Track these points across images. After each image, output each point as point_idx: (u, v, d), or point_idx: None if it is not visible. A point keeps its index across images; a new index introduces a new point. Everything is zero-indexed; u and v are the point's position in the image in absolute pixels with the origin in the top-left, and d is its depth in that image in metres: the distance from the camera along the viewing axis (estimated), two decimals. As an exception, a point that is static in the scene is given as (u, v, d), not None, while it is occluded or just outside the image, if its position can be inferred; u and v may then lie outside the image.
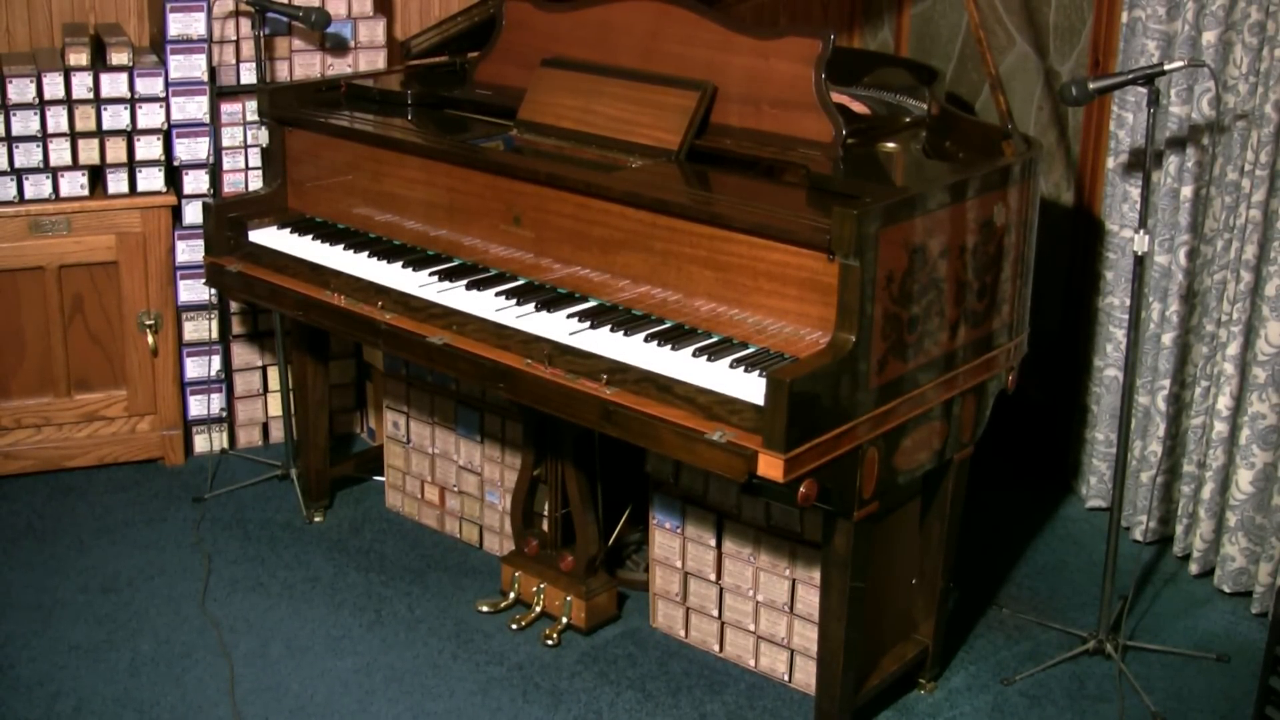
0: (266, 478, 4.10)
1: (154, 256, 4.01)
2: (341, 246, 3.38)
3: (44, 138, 3.85)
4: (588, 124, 3.24)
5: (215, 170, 4.05)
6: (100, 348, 4.07)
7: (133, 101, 3.91)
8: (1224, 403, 3.53)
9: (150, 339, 4.05)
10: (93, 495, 4.01)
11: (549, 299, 3.01)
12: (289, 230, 3.52)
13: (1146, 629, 3.49)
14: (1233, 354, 3.50)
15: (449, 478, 3.81)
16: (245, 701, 3.14)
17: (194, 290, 4.09)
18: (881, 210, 2.59)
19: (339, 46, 4.15)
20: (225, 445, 4.27)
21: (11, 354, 4.00)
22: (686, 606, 3.37)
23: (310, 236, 3.46)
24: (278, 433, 4.33)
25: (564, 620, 3.37)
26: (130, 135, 3.93)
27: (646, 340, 2.81)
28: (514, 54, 3.57)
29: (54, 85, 3.84)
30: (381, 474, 4.04)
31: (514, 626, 3.40)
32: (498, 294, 3.06)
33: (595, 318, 2.91)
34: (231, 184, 4.10)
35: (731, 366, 2.67)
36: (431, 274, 3.18)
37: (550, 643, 3.34)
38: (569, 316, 2.93)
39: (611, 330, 2.86)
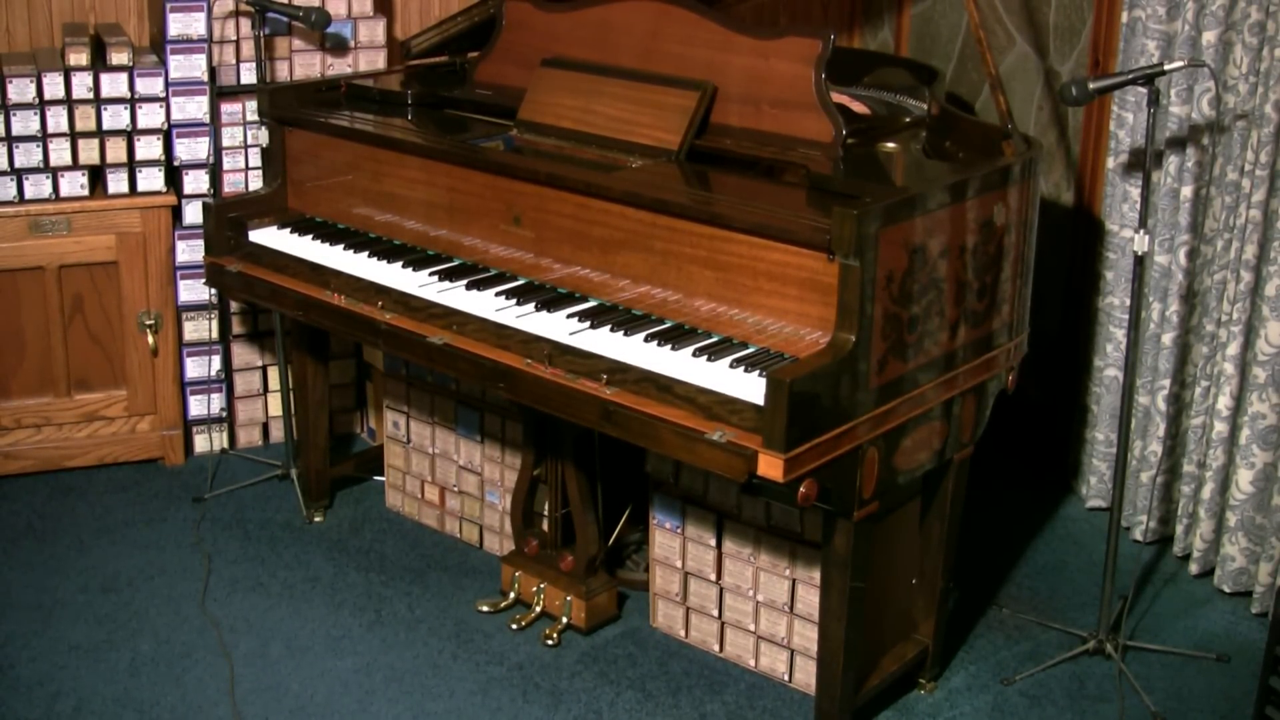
0: (266, 478, 4.10)
1: (154, 256, 4.01)
2: (341, 246, 3.38)
3: (44, 138, 3.85)
4: (588, 124, 3.24)
5: (215, 170, 4.05)
6: (100, 348, 4.07)
7: (133, 101, 3.91)
8: (1224, 403, 3.53)
9: (150, 339, 4.05)
10: (93, 495, 4.01)
11: (549, 299, 3.01)
12: (289, 230, 3.52)
13: (1146, 629, 3.49)
14: (1233, 354, 3.50)
15: (449, 478, 3.81)
16: (245, 701, 3.14)
17: (194, 290, 4.09)
18: (881, 210, 2.59)
19: (339, 46, 4.15)
20: (225, 445, 4.27)
21: (11, 354, 4.00)
22: (686, 606, 3.37)
23: (310, 236, 3.46)
24: (278, 433, 4.33)
25: (564, 620, 3.37)
26: (130, 135, 3.93)
27: (646, 340, 2.81)
28: (514, 54, 3.57)
29: (54, 85, 3.84)
30: (381, 474, 4.04)
31: (514, 626, 3.40)
32: (498, 294, 3.06)
33: (595, 318, 2.91)
34: (231, 184, 4.10)
35: (731, 366, 2.67)
36: (431, 274, 3.18)
37: (550, 643, 3.34)
38: (569, 316, 2.93)
39: (611, 330, 2.86)
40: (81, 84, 3.86)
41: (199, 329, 4.12)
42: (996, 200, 2.89)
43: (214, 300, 4.09)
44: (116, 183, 3.95)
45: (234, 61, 4.06)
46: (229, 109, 4.05)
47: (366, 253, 3.32)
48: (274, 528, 3.87)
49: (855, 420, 2.64)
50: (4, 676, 3.20)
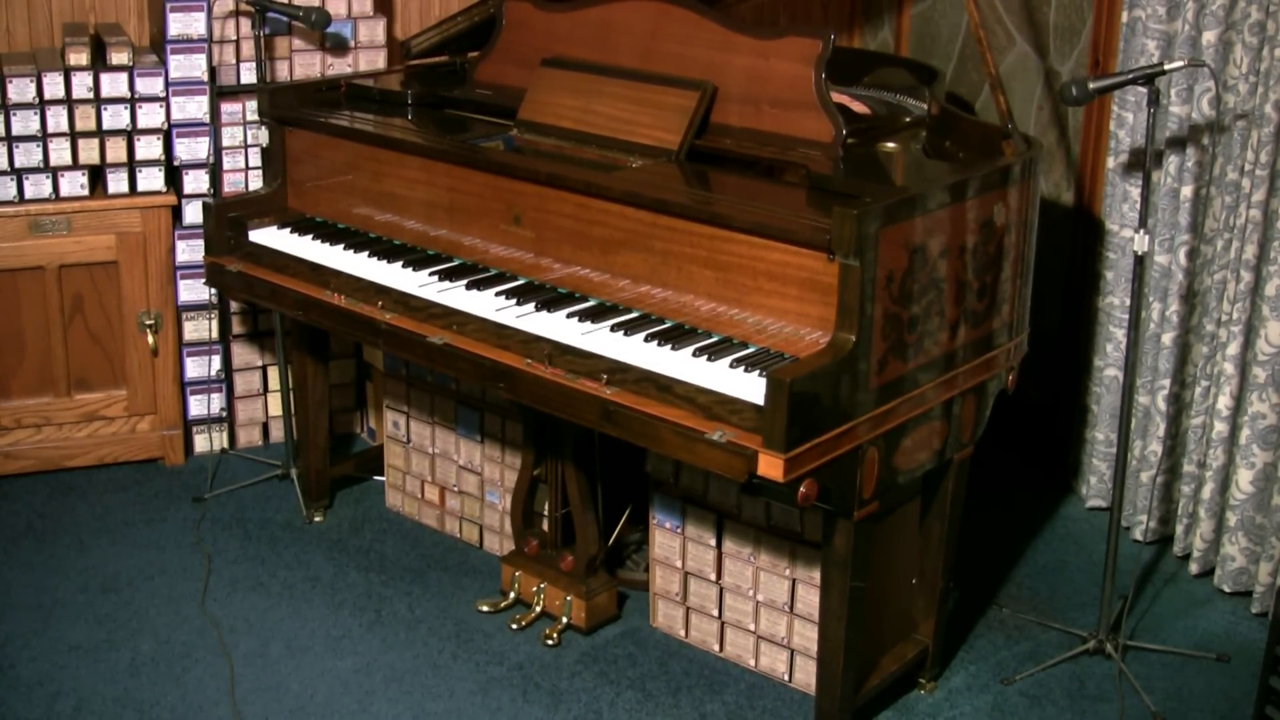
0: (266, 478, 4.10)
1: (154, 256, 4.01)
2: (341, 246, 3.38)
3: (44, 137, 3.85)
4: (588, 124, 3.24)
5: (215, 170, 4.05)
6: (100, 348, 4.07)
7: (133, 101, 3.91)
8: (1224, 402, 3.53)
9: (150, 339, 4.05)
10: (93, 495, 4.01)
11: (549, 299, 3.01)
12: (289, 230, 3.52)
13: (1146, 629, 3.49)
14: (1233, 354, 3.50)
15: (449, 477, 3.81)
16: (245, 701, 3.14)
17: (194, 290, 4.09)
18: (881, 210, 2.59)
19: (339, 46, 4.15)
20: (225, 445, 4.27)
21: (11, 354, 4.00)
22: (686, 606, 3.37)
23: (310, 236, 3.46)
24: (278, 433, 4.33)
25: (564, 620, 3.37)
26: (130, 135, 3.93)
27: (646, 340, 2.81)
28: (514, 54, 3.57)
29: (54, 85, 3.84)
30: (381, 474, 4.04)
31: (514, 626, 3.40)
32: (498, 294, 3.06)
33: (595, 317, 2.91)
34: (231, 184, 4.10)
35: (731, 366, 2.67)
36: (431, 274, 3.18)
37: (550, 642, 3.34)
38: (569, 316, 2.93)
39: (611, 330, 2.86)
40: (81, 84, 3.86)
41: (199, 329, 4.12)
42: (996, 200, 2.89)
43: (214, 300, 4.09)
44: (116, 182, 3.95)
45: (234, 61, 4.06)
46: (229, 109, 4.05)
47: (366, 253, 3.32)
48: (274, 528, 3.87)
49: (855, 420, 2.64)
50: (4, 676, 3.20)
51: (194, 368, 4.16)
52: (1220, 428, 3.55)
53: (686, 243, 2.84)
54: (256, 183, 4.07)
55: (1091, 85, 3.10)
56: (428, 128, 3.51)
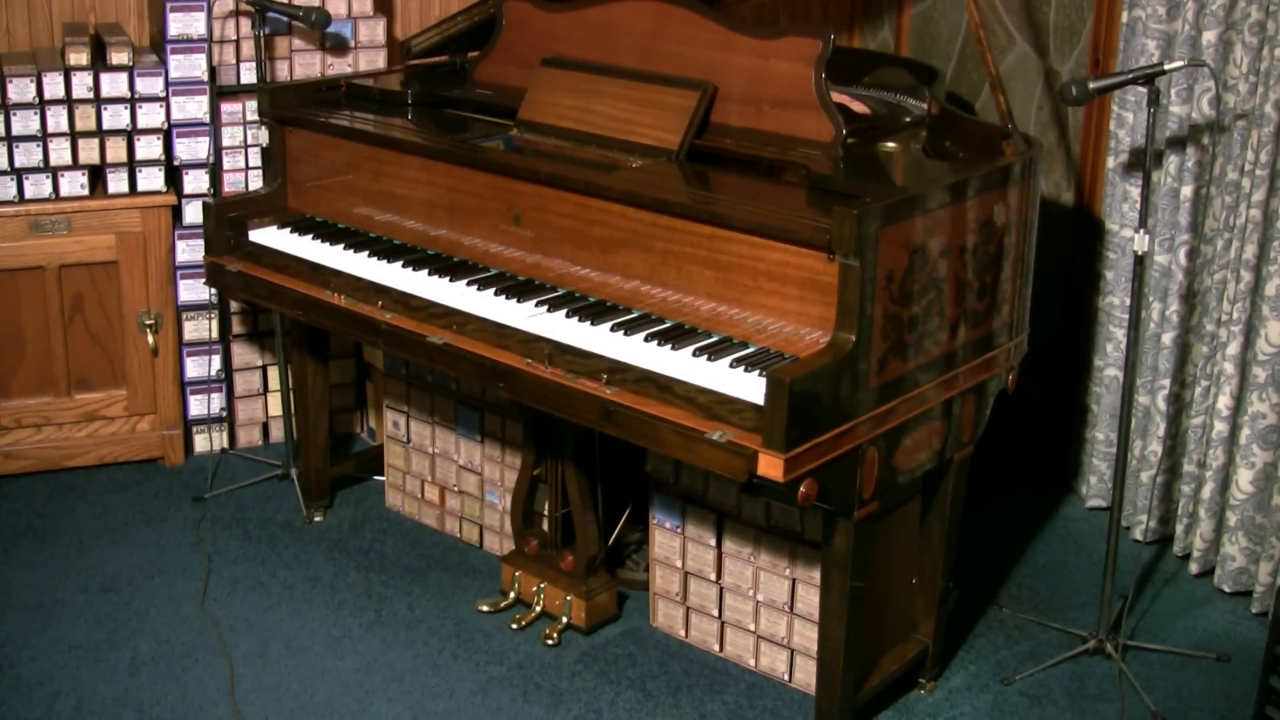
0: (266, 477, 4.10)
1: (154, 256, 4.01)
2: (341, 246, 3.38)
3: (44, 137, 3.85)
4: (588, 124, 3.24)
5: (215, 170, 4.05)
6: (100, 347, 4.07)
7: (133, 101, 3.91)
8: (1224, 402, 3.53)
9: (150, 339, 4.05)
10: (93, 495, 4.01)
11: (549, 299, 3.01)
12: (289, 230, 3.52)
13: (1146, 629, 3.49)
14: (1233, 353, 3.50)
15: (449, 477, 3.81)
16: (245, 701, 3.14)
17: (194, 290, 4.09)
18: (881, 210, 2.59)
19: (339, 46, 4.15)
20: (225, 445, 4.27)
21: (11, 354, 4.00)
22: (686, 606, 3.37)
23: (310, 236, 3.46)
24: (278, 432, 4.33)
25: (564, 620, 3.37)
26: (130, 135, 3.93)
27: (646, 340, 2.81)
28: (514, 54, 3.57)
29: (54, 85, 3.84)
30: (381, 474, 4.04)
31: (514, 626, 3.40)
32: (498, 293, 3.06)
33: (595, 317, 2.91)
34: (231, 184, 4.10)
35: (731, 366, 2.67)
36: (431, 273, 3.18)
37: (550, 642, 3.34)
38: (569, 316, 2.93)
39: (611, 330, 2.86)
40: (81, 84, 3.86)
41: (199, 329, 4.12)
42: (996, 200, 2.89)
43: (214, 300, 4.09)
44: (116, 182, 3.95)
45: (234, 61, 4.06)
46: (229, 109, 4.05)
47: (366, 252, 3.32)
48: (274, 528, 3.87)
49: (855, 420, 2.64)
50: (4, 676, 3.20)
51: (194, 368, 4.16)
52: (1220, 427, 3.55)
53: (686, 242, 2.84)
54: (256, 183, 4.07)
55: (1091, 85, 3.10)
56: (428, 128, 3.51)
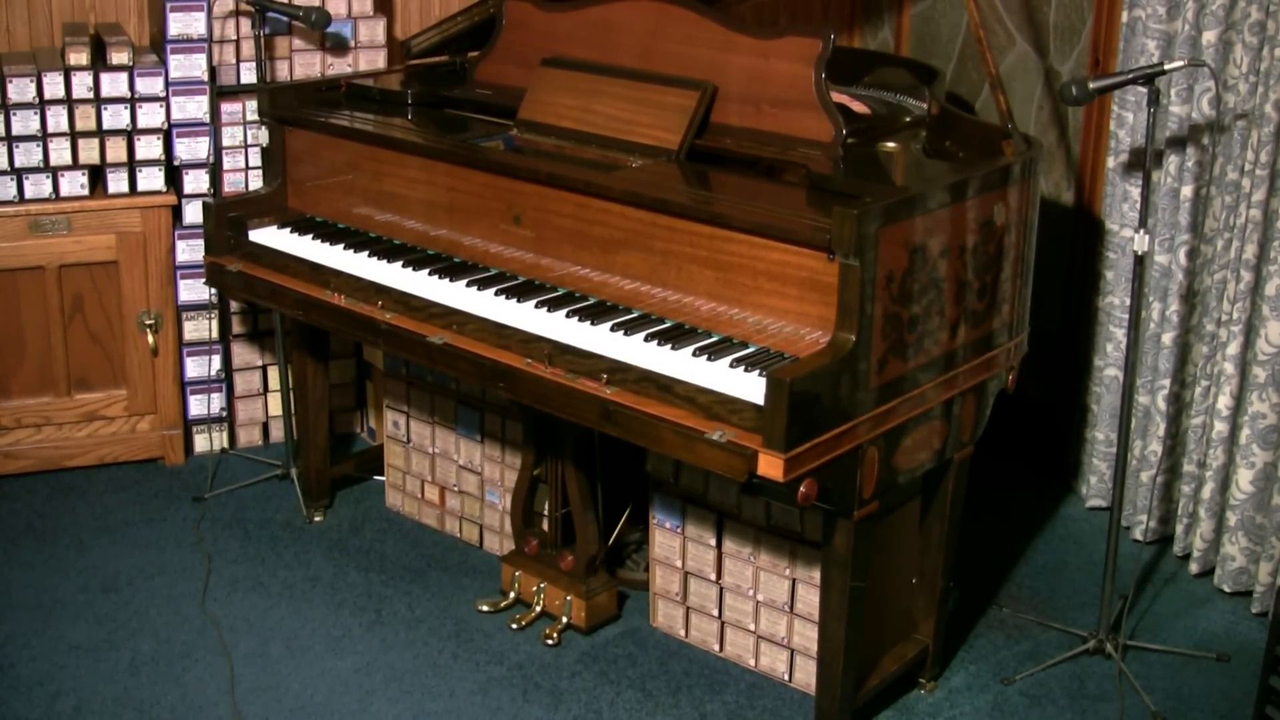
0: (266, 477, 4.10)
1: (154, 256, 4.01)
2: (341, 246, 3.38)
3: (44, 137, 3.85)
4: (588, 124, 3.24)
5: (215, 170, 4.05)
6: (100, 347, 4.07)
7: (133, 101, 3.91)
8: (1224, 402, 3.53)
9: (150, 339, 4.05)
10: (93, 495, 4.01)
11: (549, 298, 3.01)
12: (289, 230, 3.52)
13: (1146, 629, 3.49)
14: (1233, 353, 3.50)
15: (449, 477, 3.81)
16: (245, 701, 3.14)
17: (194, 290, 4.09)
18: (881, 210, 2.59)
19: (339, 46, 4.15)
20: (225, 445, 4.27)
21: (11, 354, 4.00)
22: (686, 606, 3.37)
23: (310, 236, 3.46)
24: (278, 432, 4.33)
25: (564, 620, 3.37)
26: (130, 135, 3.93)
27: (646, 340, 2.81)
28: (514, 54, 3.57)
29: (54, 85, 3.84)
30: (381, 474, 4.04)
31: (514, 626, 3.40)
32: (498, 293, 3.06)
33: (595, 317, 2.91)
34: (231, 184, 4.10)
35: (731, 366, 2.67)
36: (431, 273, 3.18)
37: (550, 642, 3.34)
38: (569, 316, 2.93)
39: (611, 330, 2.86)
40: (81, 84, 3.86)
41: (199, 329, 4.12)
42: (996, 200, 2.89)
43: (214, 300, 4.09)
44: (116, 182, 3.95)
45: (234, 61, 4.06)
46: (229, 109, 4.05)
47: (366, 252, 3.32)
48: (274, 528, 3.87)
49: (855, 420, 2.64)
50: (4, 676, 3.20)
51: (194, 367, 4.16)
52: (1220, 427, 3.55)
53: (686, 242, 2.84)
54: (256, 183, 4.07)
55: (1091, 85, 3.10)
56: (428, 128, 3.51)
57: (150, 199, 3.98)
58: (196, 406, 4.20)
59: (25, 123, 3.83)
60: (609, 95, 3.24)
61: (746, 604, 3.25)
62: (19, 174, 3.86)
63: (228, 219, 3.54)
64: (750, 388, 2.60)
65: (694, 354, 2.73)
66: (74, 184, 3.92)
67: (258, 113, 3.71)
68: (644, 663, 3.31)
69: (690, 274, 2.85)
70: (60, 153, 3.88)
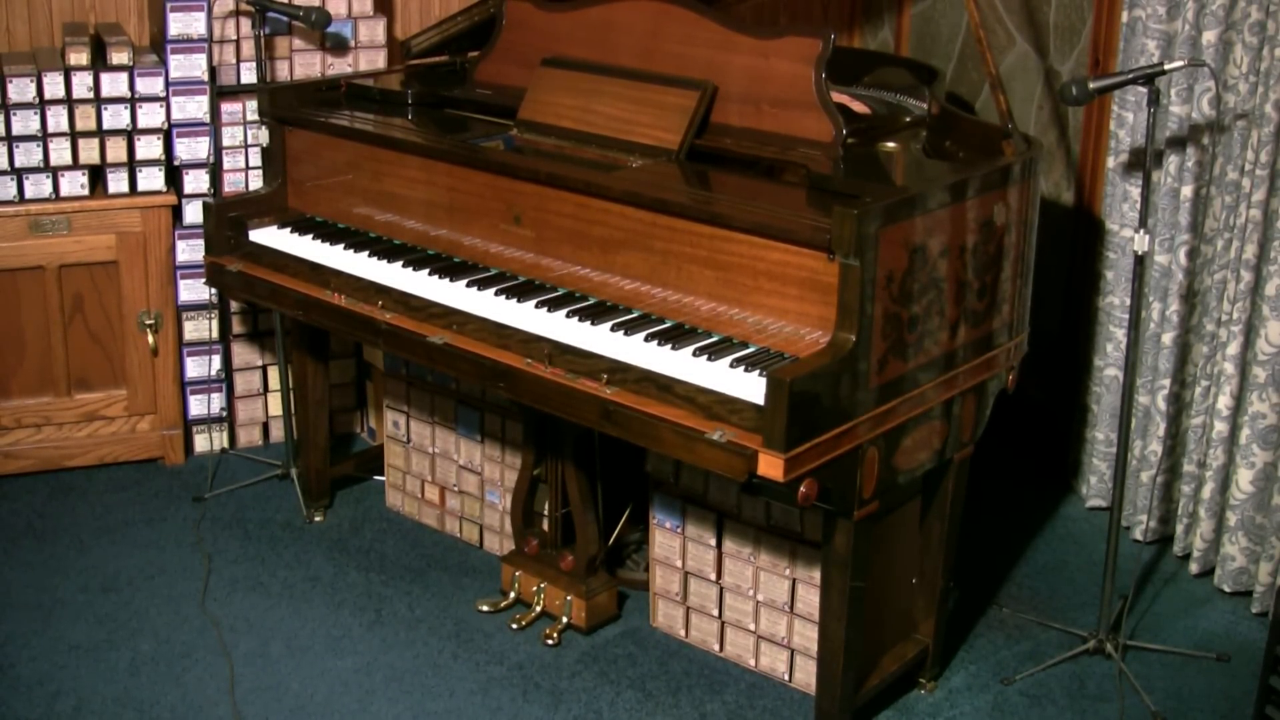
0: (266, 477, 4.10)
1: (154, 256, 4.01)
2: (342, 246, 3.38)
3: (44, 137, 3.85)
4: (588, 123, 3.24)
5: (215, 170, 4.05)
6: (100, 347, 4.07)
7: (133, 101, 3.91)
8: (1224, 402, 3.53)
9: (150, 338, 4.05)
10: (93, 495, 4.01)
11: (549, 298, 3.01)
12: (289, 230, 3.52)
13: (1146, 629, 3.49)
14: (1233, 353, 3.50)
15: (449, 477, 3.81)
16: (245, 701, 3.14)
17: (194, 290, 4.09)
18: (881, 210, 2.59)
19: (339, 46, 4.15)
20: (225, 445, 4.27)
21: (11, 354, 4.00)
22: (686, 606, 3.37)
23: (310, 236, 3.46)
24: (278, 432, 4.33)
25: (564, 620, 3.37)
26: (130, 135, 3.93)
27: (646, 340, 2.81)
28: (514, 54, 3.57)
29: (54, 85, 3.84)
30: (381, 473, 4.04)
31: (514, 626, 3.40)
32: (498, 293, 3.06)
33: (595, 317, 2.91)
34: (232, 184, 4.10)
35: (731, 366, 2.67)
36: (432, 273, 3.18)
37: (550, 642, 3.34)
38: (569, 316, 2.93)
39: (611, 330, 2.86)
40: (81, 83, 3.86)
41: (199, 329, 4.12)
42: (996, 200, 2.89)
43: (214, 300, 4.09)
44: (116, 182, 3.95)
45: (234, 61, 4.06)
46: (229, 108, 4.05)
47: (367, 252, 3.32)
48: (274, 527, 3.87)
49: (855, 420, 2.64)
50: (4, 676, 3.20)
51: (194, 367, 4.16)
52: (1220, 427, 3.55)
53: (686, 242, 2.84)
54: (256, 183, 4.07)
55: (1091, 85, 3.10)
56: (428, 127, 3.51)
57: (150, 199, 3.98)
58: (196, 406, 4.20)
59: (25, 123, 3.83)
60: (609, 95, 3.24)
61: (746, 604, 3.25)
62: (19, 174, 3.86)
63: (228, 219, 3.54)
64: (750, 388, 2.60)
65: (694, 354, 2.73)
66: (74, 184, 3.92)
67: (258, 113, 3.71)
68: (644, 663, 3.31)
69: (690, 274, 2.85)
70: (60, 153, 3.88)
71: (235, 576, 3.63)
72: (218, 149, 4.05)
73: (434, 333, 3.07)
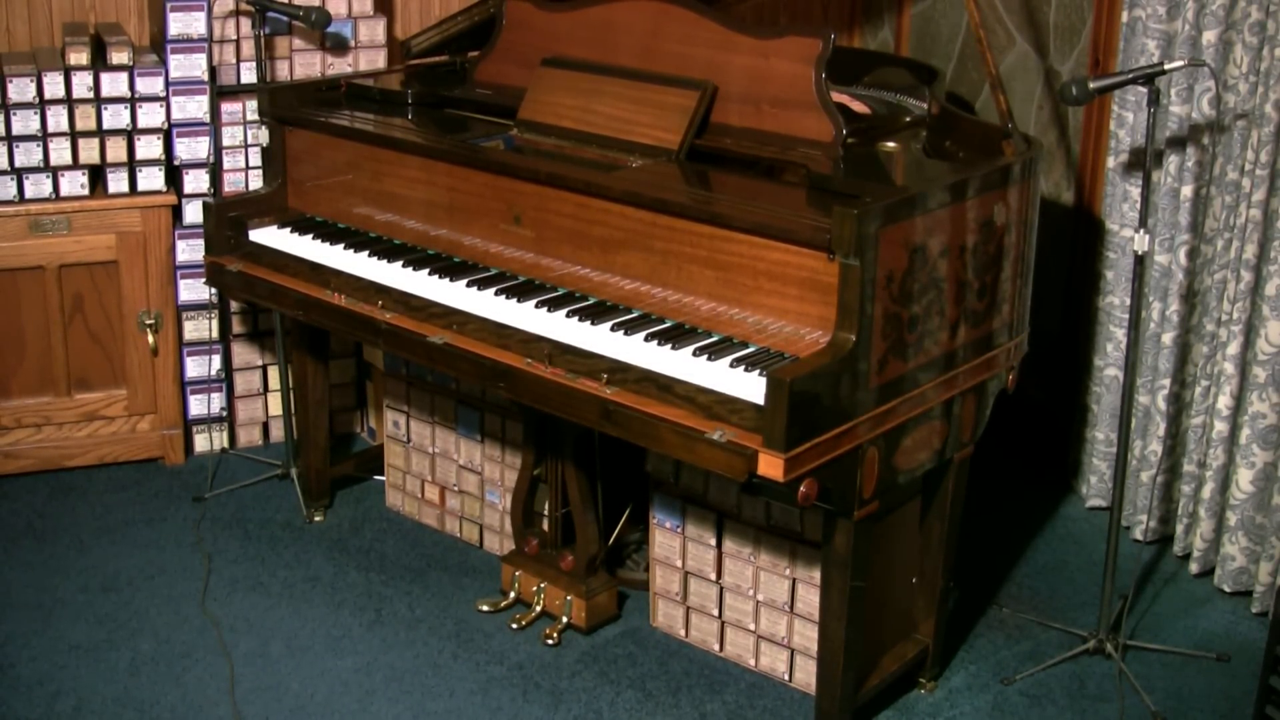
0: (266, 477, 4.10)
1: (154, 256, 4.01)
2: (342, 246, 3.38)
3: (44, 137, 3.85)
4: (588, 123, 3.24)
5: (215, 170, 4.05)
6: (100, 347, 4.07)
7: (133, 101, 3.91)
8: (1224, 402, 3.53)
9: (150, 338, 4.05)
10: (93, 495, 4.01)
11: (549, 298, 3.01)
12: (289, 230, 3.52)
13: (1146, 628, 3.49)
14: (1233, 353, 3.50)
15: (449, 477, 3.81)
16: (245, 701, 3.14)
17: (194, 290, 4.09)
18: (881, 210, 2.59)
19: (339, 46, 4.15)
20: (225, 445, 4.27)
21: (11, 354, 4.00)
22: (686, 606, 3.37)
23: (310, 236, 3.46)
24: (278, 432, 4.33)
25: (564, 620, 3.37)
26: (130, 135, 3.93)
27: (646, 340, 2.81)
28: (514, 53, 3.57)
29: (54, 85, 3.84)
30: (381, 473, 4.04)
31: (514, 626, 3.40)
32: (498, 293, 3.06)
33: (595, 317, 2.91)
34: (232, 183, 4.10)
35: (732, 366, 2.67)
36: (432, 273, 3.18)
37: (550, 642, 3.34)
38: (569, 315, 2.93)
39: (611, 330, 2.86)
40: (81, 83, 3.86)
41: (199, 328, 4.12)
42: (997, 200, 2.89)
43: (214, 300, 4.09)
44: (116, 182, 3.95)
45: (234, 61, 4.06)
46: (229, 108, 4.05)
47: (367, 252, 3.32)
48: (274, 527, 3.87)
49: (855, 420, 2.64)
50: (4, 676, 3.20)
51: (194, 367, 4.16)
52: (1220, 427, 3.55)
53: (686, 242, 2.84)
54: (256, 182, 4.08)
55: (1091, 85, 3.10)
56: (428, 127, 3.51)
57: (150, 199, 3.98)
58: (196, 406, 4.20)
59: (25, 122, 3.83)
60: (609, 95, 3.24)
61: (746, 604, 3.25)
62: (19, 174, 3.86)
63: (228, 219, 3.54)
64: (750, 387, 2.60)
65: (694, 354, 2.73)
66: (74, 184, 3.92)
67: (258, 112, 3.71)
68: (644, 663, 3.31)
69: (690, 274, 2.85)
70: (60, 152, 3.88)
71: (235, 576, 3.63)
72: (218, 149, 4.05)
73: (434, 333, 3.07)
